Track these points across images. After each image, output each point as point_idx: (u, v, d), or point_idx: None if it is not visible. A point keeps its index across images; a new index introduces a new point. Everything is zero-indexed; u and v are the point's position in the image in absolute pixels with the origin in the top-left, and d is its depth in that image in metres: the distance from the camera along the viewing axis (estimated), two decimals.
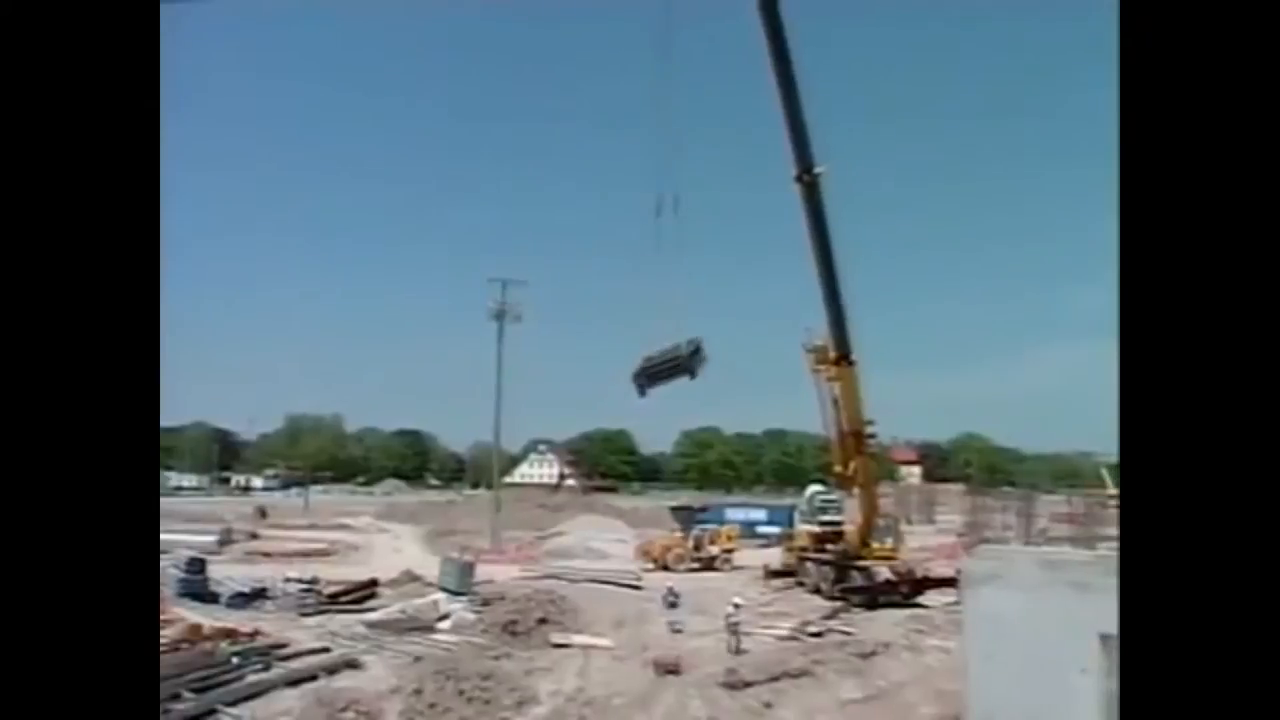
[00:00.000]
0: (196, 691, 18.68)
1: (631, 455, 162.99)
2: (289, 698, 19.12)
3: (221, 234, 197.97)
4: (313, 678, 20.46)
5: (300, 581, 32.24)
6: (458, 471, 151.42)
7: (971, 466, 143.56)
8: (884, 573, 33.27)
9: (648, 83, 46.21)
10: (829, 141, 30.03)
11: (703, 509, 64.72)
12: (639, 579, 37.31)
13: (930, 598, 31.14)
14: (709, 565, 43.34)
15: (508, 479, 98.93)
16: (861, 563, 33.48)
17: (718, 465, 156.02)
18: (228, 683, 19.78)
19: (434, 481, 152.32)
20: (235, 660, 21.25)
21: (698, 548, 44.75)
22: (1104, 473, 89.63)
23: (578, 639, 25.25)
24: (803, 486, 46.38)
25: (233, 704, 18.44)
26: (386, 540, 58.62)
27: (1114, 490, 74.48)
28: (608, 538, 53.49)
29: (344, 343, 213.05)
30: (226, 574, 34.28)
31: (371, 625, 26.82)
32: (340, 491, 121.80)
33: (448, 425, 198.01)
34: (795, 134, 27.62)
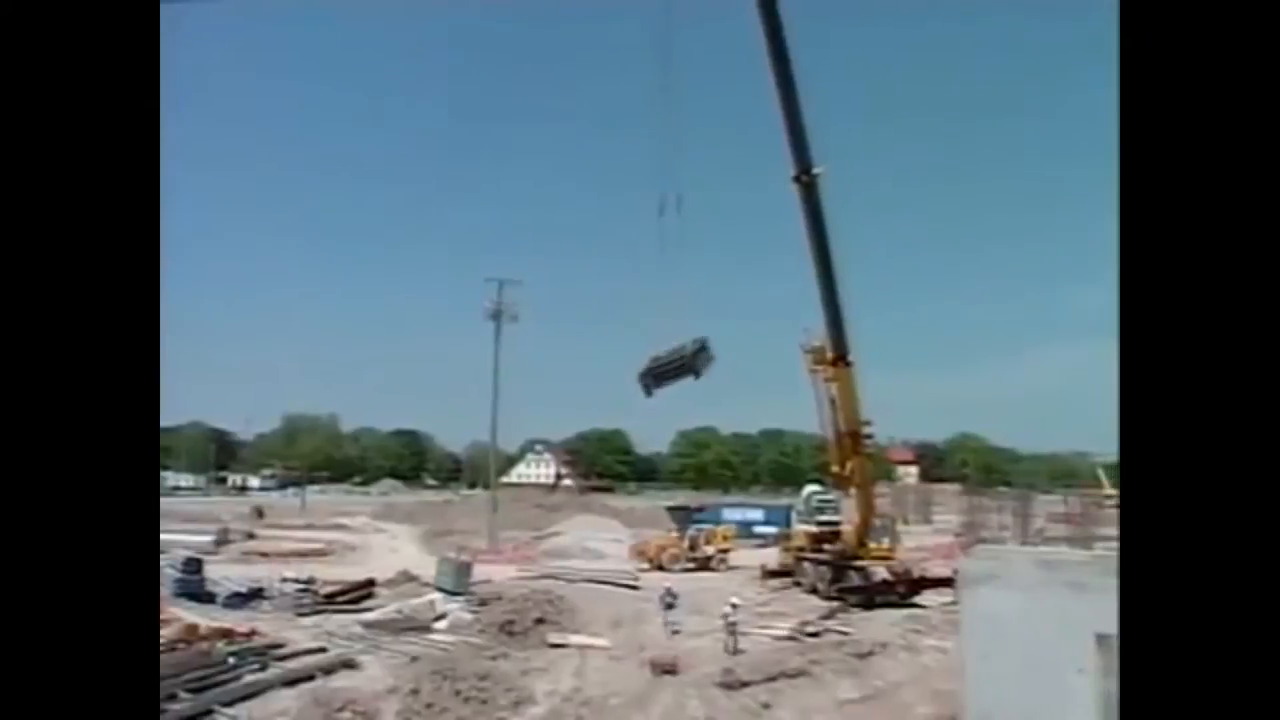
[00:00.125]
0: (193, 692, 18.67)
1: (628, 455, 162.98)
2: (286, 698, 19.12)
3: (221, 234, 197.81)
4: (310, 678, 20.46)
5: (297, 581, 32.25)
6: (454, 471, 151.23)
7: (968, 466, 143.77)
8: (881, 573, 33.32)
9: (648, 83, 46.28)
10: (828, 141, 30.06)
11: (699, 509, 64.79)
12: (636, 579, 37.32)
13: (927, 598, 31.19)
14: (704, 565, 43.34)
15: (505, 479, 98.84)
16: (859, 563, 33.53)
17: (715, 465, 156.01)
18: (224, 683, 19.76)
19: (431, 481, 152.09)
20: (232, 660, 21.23)
21: (693, 548, 44.75)
22: (1100, 473, 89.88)
23: (575, 639, 25.25)
24: (800, 487, 46.39)
25: (229, 704, 18.43)
26: (383, 540, 58.57)
27: (1110, 490, 74.69)
28: (604, 538, 53.55)
29: (342, 342, 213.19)
30: (223, 574, 34.28)
31: (368, 625, 26.82)
32: (337, 491, 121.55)
33: (445, 425, 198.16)
34: (794, 134, 27.62)
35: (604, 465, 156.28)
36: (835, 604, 31.41)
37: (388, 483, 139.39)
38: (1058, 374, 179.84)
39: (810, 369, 32.30)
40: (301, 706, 18.49)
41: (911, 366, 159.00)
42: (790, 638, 25.87)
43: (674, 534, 49.77)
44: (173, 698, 17.97)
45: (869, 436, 32.75)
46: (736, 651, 23.58)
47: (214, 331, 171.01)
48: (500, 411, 60.04)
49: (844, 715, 18.92)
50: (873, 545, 34.16)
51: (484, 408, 60.03)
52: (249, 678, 20.38)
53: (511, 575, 38.34)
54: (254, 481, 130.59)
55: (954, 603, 18.30)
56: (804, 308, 31.46)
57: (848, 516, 36.07)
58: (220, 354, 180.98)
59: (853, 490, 33.78)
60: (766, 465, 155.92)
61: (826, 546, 35.43)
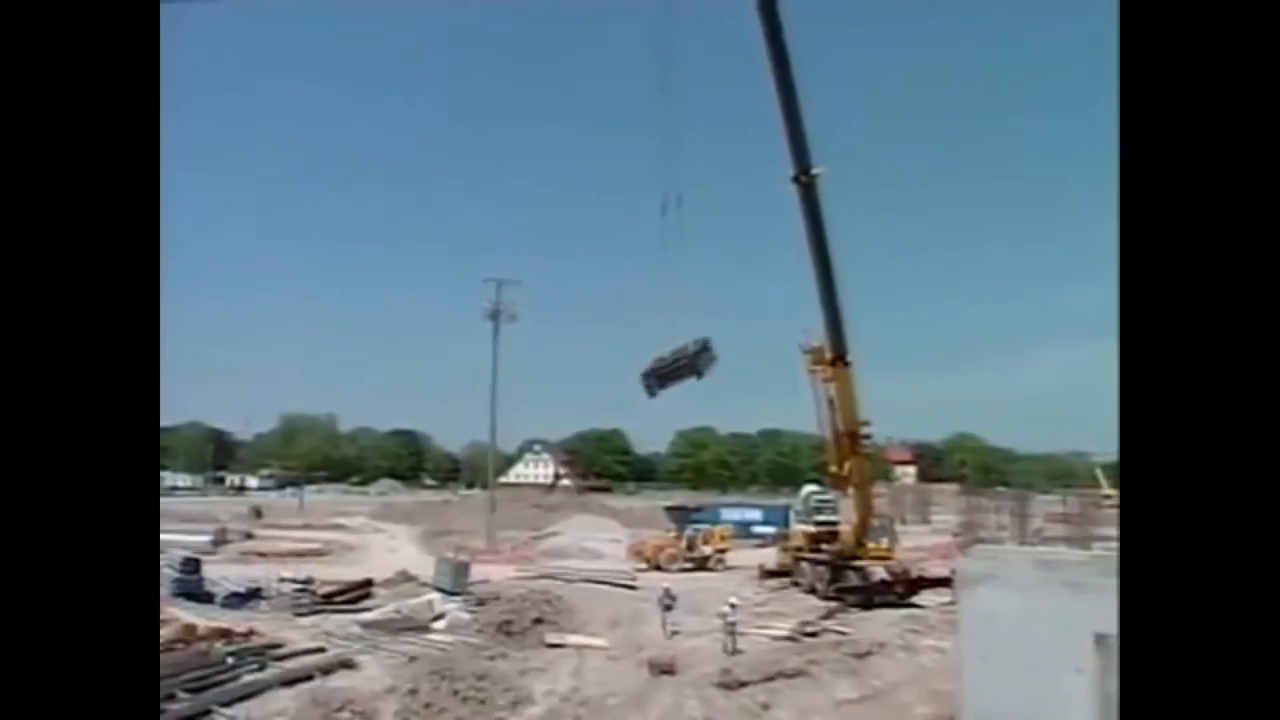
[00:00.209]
0: (191, 692, 18.65)
1: (626, 455, 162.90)
2: (284, 698, 19.11)
3: (221, 234, 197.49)
4: (308, 678, 20.44)
5: (295, 581, 32.20)
6: (453, 471, 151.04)
7: (966, 467, 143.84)
8: (879, 573, 33.29)
9: (648, 83, 46.21)
10: (827, 141, 30.08)
11: (698, 509, 64.79)
12: (634, 579, 37.33)
13: (925, 598, 31.18)
14: (702, 565, 43.34)
15: (503, 479, 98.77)
16: (857, 563, 33.52)
17: (713, 465, 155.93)
18: (223, 683, 19.74)
19: (429, 481, 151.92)
20: (230, 660, 21.21)
21: (690, 548, 44.74)
22: (1098, 473, 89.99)
23: (573, 639, 25.25)
24: (798, 487, 46.41)
25: (228, 704, 18.42)
26: (381, 540, 58.52)
27: (1109, 490, 74.79)
28: (602, 538, 53.55)
29: (340, 342, 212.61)
30: (221, 574, 34.23)
31: (366, 625, 26.80)
32: (335, 491, 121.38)
33: (443, 425, 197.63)
34: (793, 134, 27.62)
35: (602, 465, 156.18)
36: (833, 604, 31.42)
37: (386, 483, 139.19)
38: (1057, 374, 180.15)
39: (809, 369, 32.30)
40: (300, 706, 18.47)
41: (910, 366, 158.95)
42: (788, 638, 25.87)
43: (672, 534, 49.73)
44: (171, 698, 17.94)
45: (867, 436, 32.73)
46: (735, 651, 23.58)
47: (213, 331, 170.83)
48: (499, 411, 60.06)
49: (842, 715, 18.91)
50: (871, 545, 34.15)
51: (482, 408, 60.05)
52: (247, 678, 20.36)
53: (509, 575, 38.32)
54: (252, 481, 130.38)
55: (952, 603, 18.32)
56: (803, 308, 31.50)
57: (846, 516, 36.08)
58: (219, 354, 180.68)
59: (851, 490, 33.75)
60: (765, 465, 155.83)
61: (825, 546, 35.44)
